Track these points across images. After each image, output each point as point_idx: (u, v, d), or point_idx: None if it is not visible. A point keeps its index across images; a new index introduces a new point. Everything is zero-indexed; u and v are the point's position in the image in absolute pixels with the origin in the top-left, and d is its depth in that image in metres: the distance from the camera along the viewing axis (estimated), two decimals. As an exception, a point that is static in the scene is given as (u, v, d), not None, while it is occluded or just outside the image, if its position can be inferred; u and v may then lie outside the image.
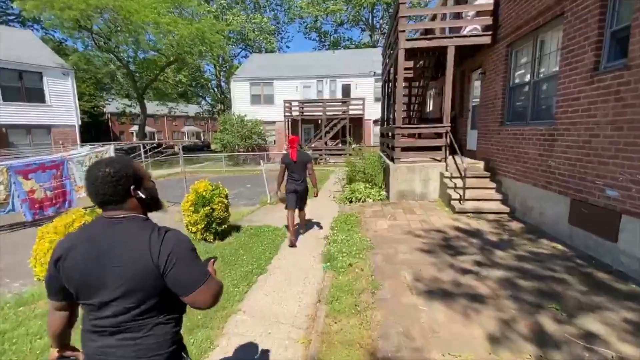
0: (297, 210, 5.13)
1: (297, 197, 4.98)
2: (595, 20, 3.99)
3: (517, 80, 6.23)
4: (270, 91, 21.83)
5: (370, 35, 37.18)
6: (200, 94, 34.88)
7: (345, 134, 19.72)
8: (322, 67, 22.83)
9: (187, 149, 41.63)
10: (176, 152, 38.47)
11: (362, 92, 20.78)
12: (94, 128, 44.70)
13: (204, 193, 5.15)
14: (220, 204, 5.21)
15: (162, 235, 1.13)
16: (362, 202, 7.67)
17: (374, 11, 36.31)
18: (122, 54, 20.45)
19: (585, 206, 4.15)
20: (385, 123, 12.19)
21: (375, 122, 21.24)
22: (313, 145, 20.00)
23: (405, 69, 8.78)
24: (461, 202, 6.19)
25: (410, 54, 8.42)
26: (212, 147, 21.30)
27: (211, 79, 33.94)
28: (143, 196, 1.20)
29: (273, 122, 21.87)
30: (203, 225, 5.09)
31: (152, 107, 42.07)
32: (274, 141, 22.43)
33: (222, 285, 1.25)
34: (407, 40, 7.08)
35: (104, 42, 19.56)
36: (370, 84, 20.98)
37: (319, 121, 20.38)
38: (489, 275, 3.64)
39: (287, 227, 5.33)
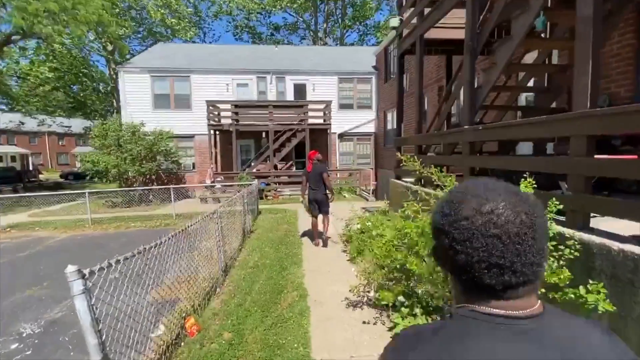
0: (320, 216, 5.67)
1: (318, 205, 5.58)
2: None
3: None
4: (185, 89, 14.47)
5: (314, 42, 32.33)
6: (84, 100, 24.85)
7: (304, 151, 13.42)
8: (265, 60, 16.47)
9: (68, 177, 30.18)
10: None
11: (321, 95, 14.91)
12: None
13: None
14: None
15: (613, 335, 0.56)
16: None
17: (317, 14, 31.75)
18: None
19: None
20: (416, 129, 6.25)
21: (340, 136, 15.49)
22: (255, 170, 13.17)
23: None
24: None
25: None
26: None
27: (104, 79, 24.58)
28: None
29: (191, 136, 14.49)
30: None
31: (19, 118, 30.34)
32: (193, 164, 14.94)
33: None
34: None
35: None
36: (333, 84, 15.26)
37: (263, 134, 13.77)
38: None
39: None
